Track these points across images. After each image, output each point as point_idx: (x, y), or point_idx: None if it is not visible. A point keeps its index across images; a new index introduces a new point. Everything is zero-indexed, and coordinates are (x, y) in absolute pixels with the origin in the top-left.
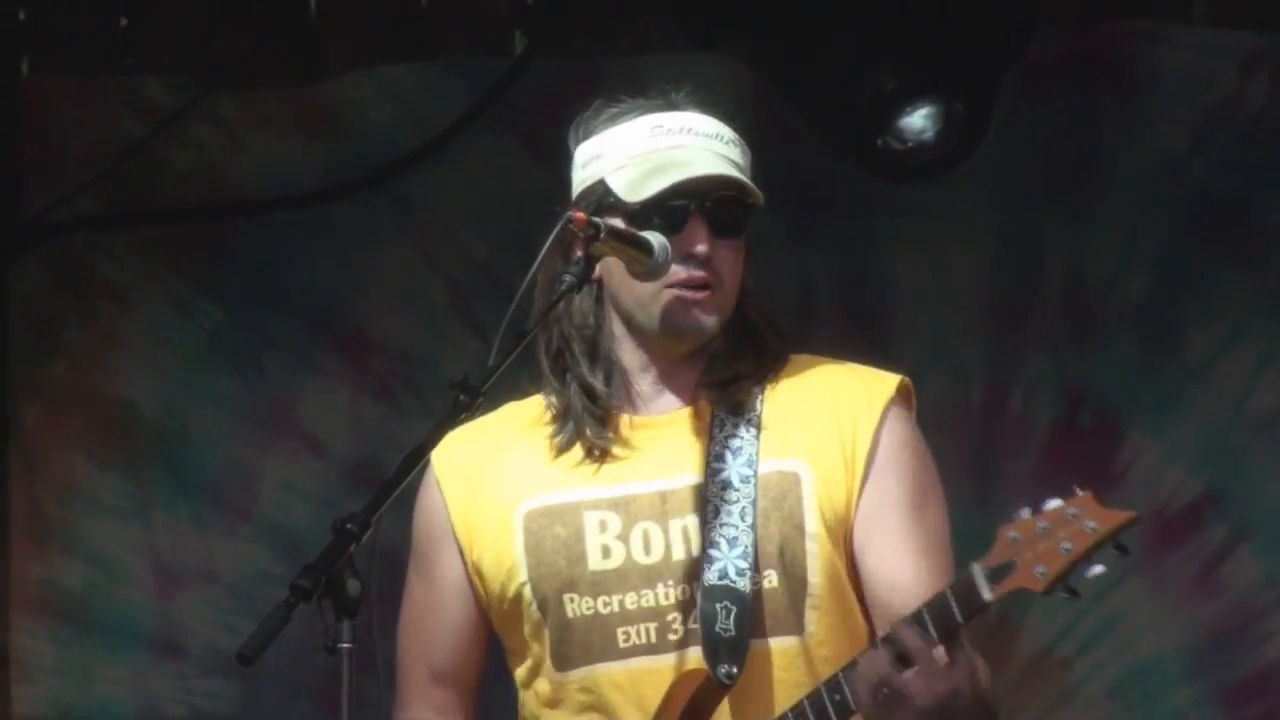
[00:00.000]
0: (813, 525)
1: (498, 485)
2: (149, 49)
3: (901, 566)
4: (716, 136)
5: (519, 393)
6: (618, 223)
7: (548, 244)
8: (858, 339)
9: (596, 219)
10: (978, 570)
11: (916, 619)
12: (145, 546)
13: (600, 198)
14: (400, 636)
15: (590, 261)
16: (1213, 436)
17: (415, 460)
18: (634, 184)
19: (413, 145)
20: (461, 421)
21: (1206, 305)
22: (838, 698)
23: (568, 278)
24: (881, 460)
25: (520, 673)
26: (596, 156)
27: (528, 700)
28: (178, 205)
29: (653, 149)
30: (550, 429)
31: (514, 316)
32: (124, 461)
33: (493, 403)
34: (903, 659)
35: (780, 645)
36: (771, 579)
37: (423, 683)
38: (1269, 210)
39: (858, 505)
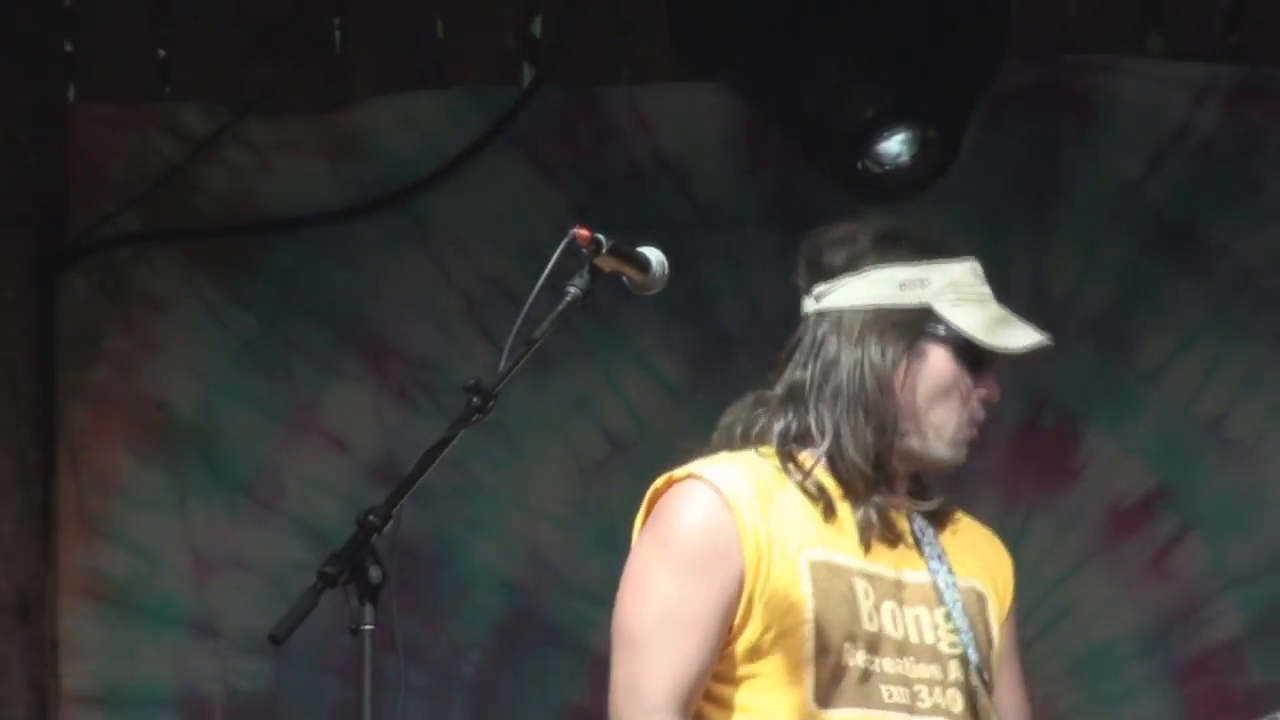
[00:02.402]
0: (996, 641)
1: (780, 526)
2: (186, 78)
3: (1017, 698)
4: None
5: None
6: (610, 241)
7: (554, 258)
8: None
9: (599, 235)
10: None
11: None
12: (183, 536)
13: (919, 323)
14: (645, 617)
15: (594, 274)
16: (1164, 436)
17: (432, 458)
18: (986, 327)
19: (429, 168)
20: (475, 423)
21: (1159, 315)
22: None
23: (572, 290)
24: (1012, 608)
25: (744, 696)
26: (919, 281)
27: (753, 713)
28: (212, 223)
29: (983, 296)
30: (803, 492)
31: (523, 325)
32: (163, 458)
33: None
34: None
35: None
36: (989, 675)
37: (669, 690)
38: (1216, 229)
39: (1001, 640)
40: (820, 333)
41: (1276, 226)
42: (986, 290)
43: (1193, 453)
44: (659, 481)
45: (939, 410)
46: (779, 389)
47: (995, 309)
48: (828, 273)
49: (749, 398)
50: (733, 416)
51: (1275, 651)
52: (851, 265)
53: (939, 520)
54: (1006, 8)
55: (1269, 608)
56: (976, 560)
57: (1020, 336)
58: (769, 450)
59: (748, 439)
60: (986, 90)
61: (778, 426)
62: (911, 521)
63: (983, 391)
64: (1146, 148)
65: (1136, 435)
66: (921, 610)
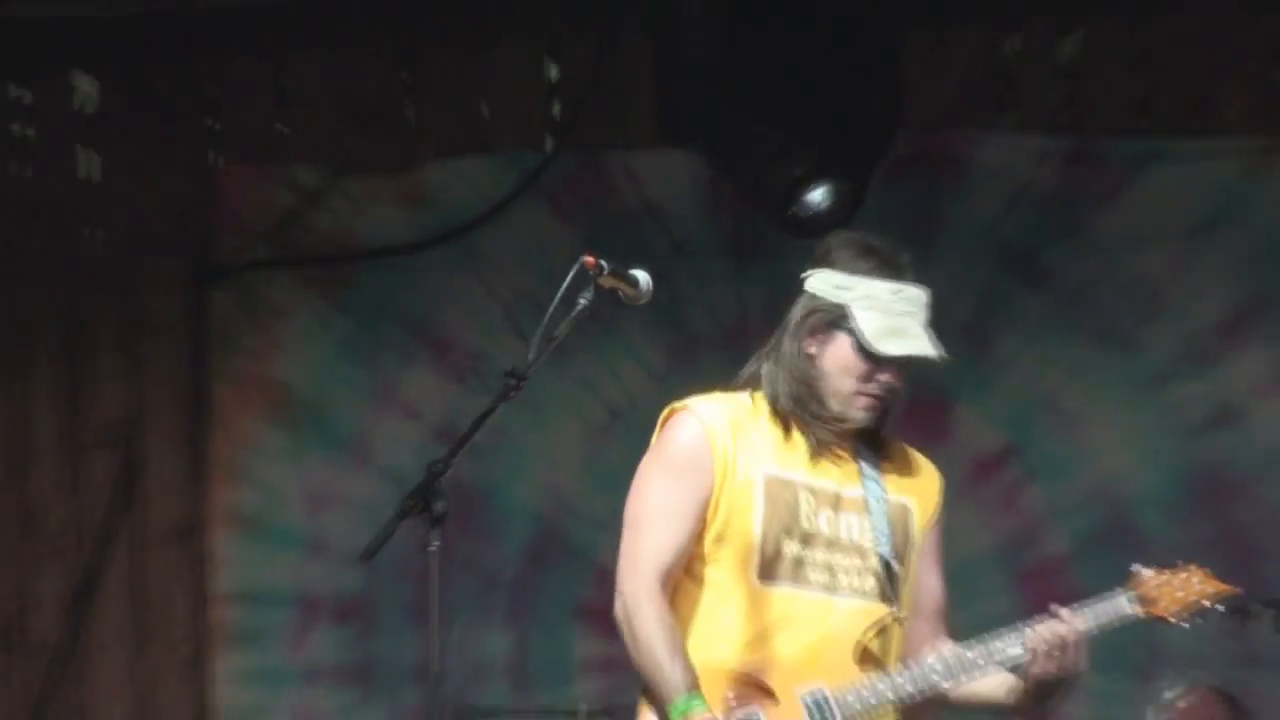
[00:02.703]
0: (917, 542)
1: (745, 448)
2: (299, 146)
3: (934, 578)
4: (926, 307)
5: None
6: (603, 264)
7: (569, 278)
8: None
9: (602, 261)
10: (1131, 595)
11: (1085, 607)
12: (299, 481)
13: (838, 317)
14: (643, 508)
15: (598, 290)
16: (1014, 407)
17: (480, 423)
18: (878, 335)
19: (477, 213)
20: (511, 398)
21: (1011, 320)
22: (1014, 650)
23: (582, 301)
24: (937, 521)
25: (711, 572)
26: (845, 288)
27: (715, 587)
28: (319, 253)
29: (893, 310)
30: (774, 423)
31: (547, 327)
32: (285, 424)
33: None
34: (1067, 635)
35: (900, 612)
36: (899, 569)
37: (658, 561)
38: (1052, 258)
39: (922, 542)
40: (794, 304)
41: (1096, 256)
42: (904, 309)
43: (1033, 420)
44: (665, 411)
45: (838, 381)
46: (769, 344)
47: (898, 322)
48: (813, 262)
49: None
50: (747, 366)
51: (1092, 562)
52: (821, 261)
53: (882, 451)
54: (901, 94)
55: (1088, 532)
56: (907, 480)
57: (902, 347)
58: (760, 392)
59: (743, 382)
60: (886, 156)
61: (748, 373)
62: (857, 450)
63: (883, 376)
64: (1003, 198)
65: (992, 407)
66: (853, 517)
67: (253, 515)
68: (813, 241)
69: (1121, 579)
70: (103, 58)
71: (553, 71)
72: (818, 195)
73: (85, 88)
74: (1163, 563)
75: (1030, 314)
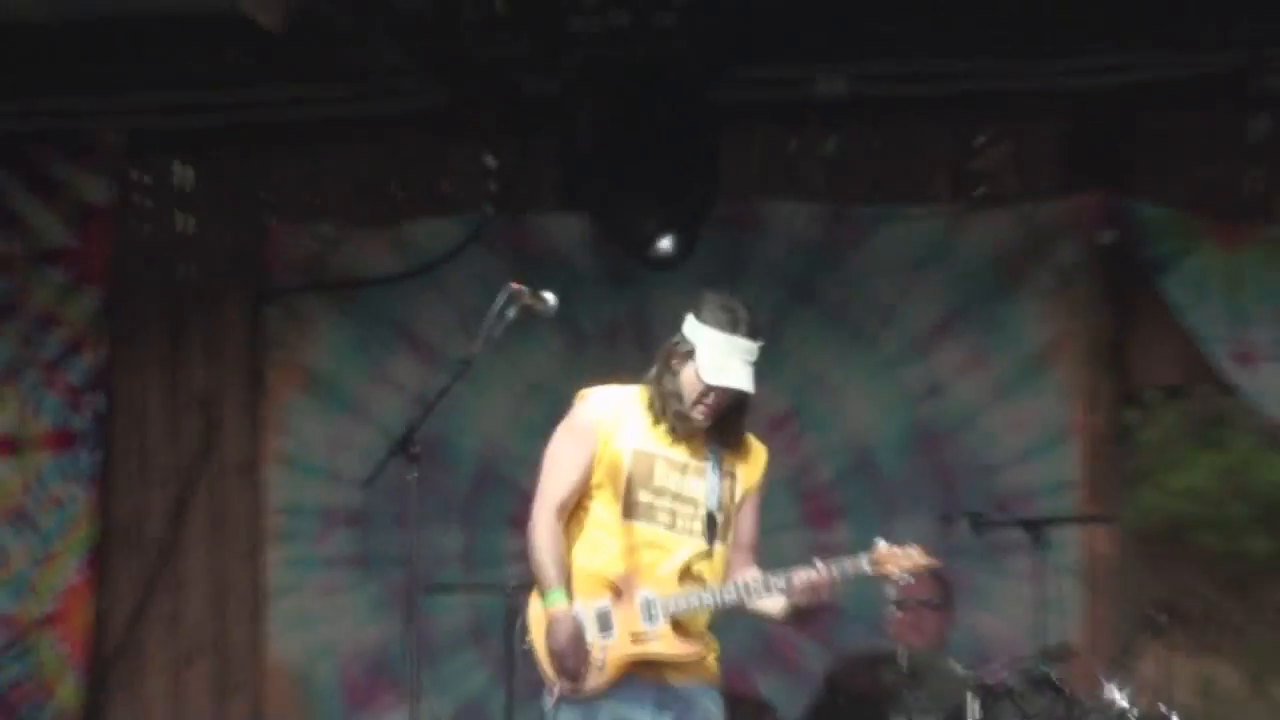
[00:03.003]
0: (738, 499)
1: (621, 427)
2: (324, 210)
3: (749, 523)
4: (752, 353)
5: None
6: (524, 289)
7: (501, 298)
8: (641, 344)
9: (524, 288)
10: (869, 558)
11: (835, 562)
12: (323, 433)
13: (690, 351)
14: (552, 459)
15: (521, 306)
16: (795, 383)
17: (441, 395)
18: (710, 369)
19: (440, 254)
20: (463, 377)
21: (793, 325)
22: (781, 584)
23: (510, 313)
24: (757, 489)
25: (594, 507)
26: (698, 333)
27: (595, 518)
28: (336, 281)
29: (727, 354)
30: (649, 412)
31: (486, 329)
32: (313, 395)
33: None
34: (820, 581)
35: (718, 547)
36: (720, 518)
37: (556, 497)
38: (822, 284)
39: (743, 502)
40: (674, 336)
41: (850, 284)
42: (734, 353)
43: (807, 392)
44: (578, 394)
45: (686, 394)
46: (658, 358)
47: (728, 362)
48: (690, 310)
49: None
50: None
51: (849, 487)
52: (693, 310)
53: (728, 439)
54: (719, 175)
55: (844, 467)
56: (739, 459)
57: (724, 380)
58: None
59: (644, 379)
60: (709, 217)
61: (648, 374)
62: (708, 437)
63: (710, 398)
64: (787, 244)
65: (781, 384)
66: (695, 480)
67: (291, 455)
68: (664, 272)
69: (865, 500)
70: (194, 151)
71: (490, 161)
72: (665, 243)
73: (181, 171)
74: (895, 496)
75: (806, 322)
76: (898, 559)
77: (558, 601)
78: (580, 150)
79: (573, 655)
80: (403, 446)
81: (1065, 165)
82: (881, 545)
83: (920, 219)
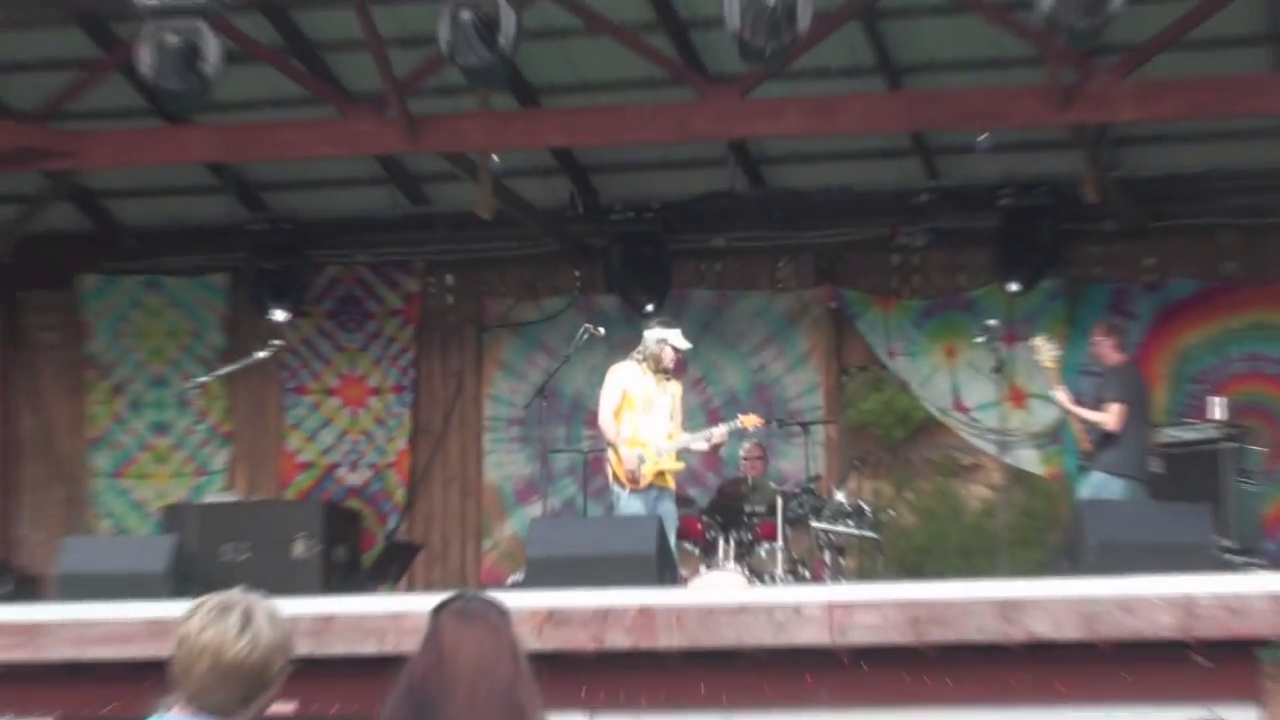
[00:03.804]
0: (677, 403)
1: (631, 379)
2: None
3: (678, 419)
4: (682, 339)
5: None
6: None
7: (579, 332)
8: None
9: (590, 325)
10: (734, 424)
11: (723, 424)
12: (508, 385)
13: (660, 339)
14: (605, 395)
15: (590, 336)
16: (704, 362)
17: (555, 372)
18: (679, 342)
19: (557, 311)
20: (564, 364)
21: (706, 347)
22: (706, 435)
23: (584, 338)
24: (681, 399)
25: (624, 413)
26: (661, 334)
27: (625, 419)
28: (518, 321)
29: (678, 337)
30: (642, 368)
31: (574, 346)
32: (505, 373)
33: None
34: (719, 437)
35: (674, 425)
36: (676, 412)
37: (610, 409)
38: (717, 328)
39: (678, 405)
40: (645, 336)
41: (725, 337)
42: (679, 337)
43: (710, 368)
44: (610, 368)
45: (664, 359)
46: (640, 346)
47: (679, 340)
48: (649, 327)
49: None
50: (634, 351)
51: (727, 410)
52: (653, 327)
53: (673, 378)
54: (671, 272)
55: (723, 399)
56: (676, 386)
57: (683, 343)
58: (641, 360)
59: (638, 355)
60: (665, 297)
61: (637, 353)
62: (668, 378)
63: (676, 355)
64: (700, 306)
65: (699, 363)
66: (663, 397)
67: (493, 396)
68: (648, 318)
69: (731, 412)
70: (450, 269)
71: (576, 272)
72: (649, 307)
73: (440, 281)
74: (745, 410)
75: (707, 339)
76: (747, 420)
77: (624, 446)
78: (612, 268)
79: (636, 470)
80: (540, 391)
81: (816, 276)
82: (742, 416)
83: (758, 297)
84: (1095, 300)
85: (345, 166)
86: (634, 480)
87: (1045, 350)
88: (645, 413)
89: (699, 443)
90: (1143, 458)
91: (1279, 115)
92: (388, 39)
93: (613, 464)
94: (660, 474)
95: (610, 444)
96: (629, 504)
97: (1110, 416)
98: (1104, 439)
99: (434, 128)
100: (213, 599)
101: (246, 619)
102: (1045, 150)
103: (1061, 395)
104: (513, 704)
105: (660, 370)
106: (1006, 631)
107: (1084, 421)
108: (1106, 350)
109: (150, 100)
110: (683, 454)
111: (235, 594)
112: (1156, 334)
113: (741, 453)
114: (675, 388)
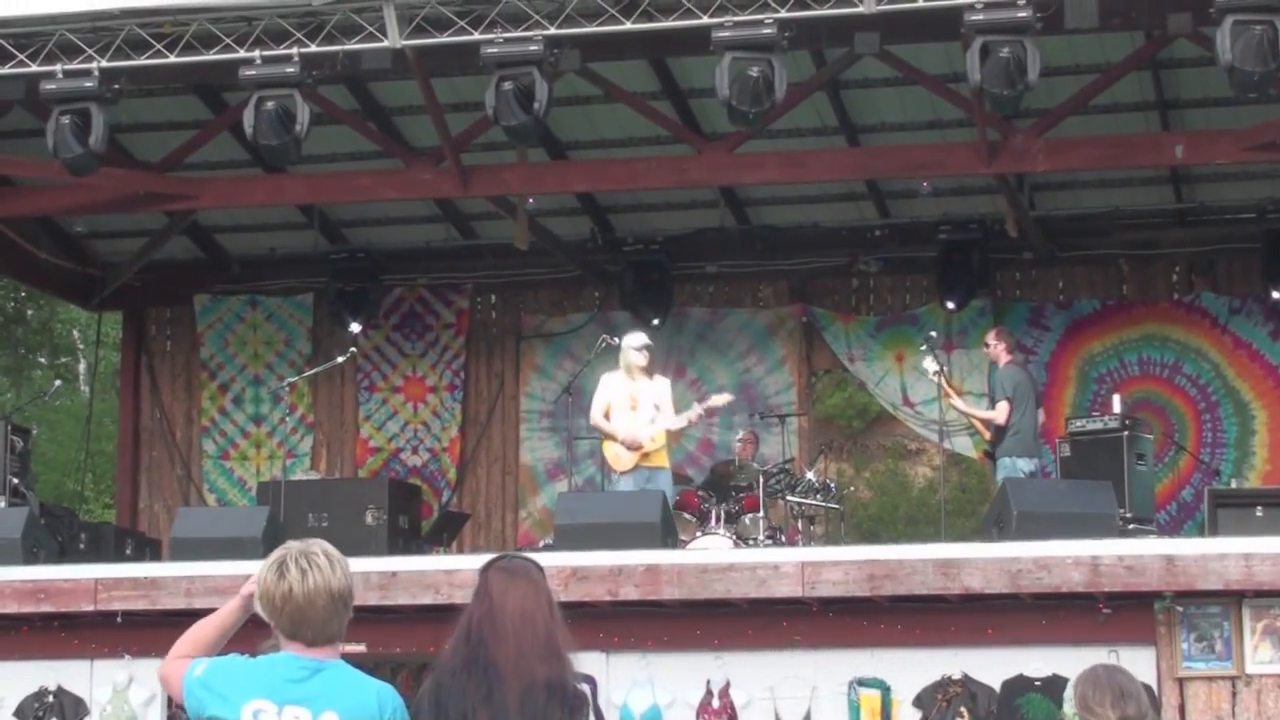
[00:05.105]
0: (661, 396)
1: (616, 384)
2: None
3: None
4: (650, 340)
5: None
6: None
7: (597, 342)
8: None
9: (607, 336)
10: (719, 399)
11: (711, 400)
12: (541, 385)
13: (625, 352)
14: (597, 396)
15: (607, 346)
16: (694, 362)
17: (579, 373)
18: (631, 343)
19: (579, 326)
20: (585, 368)
21: (686, 344)
22: (696, 409)
23: (601, 347)
24: (669, 392)
25: (613, 410)
26: (629, 346)
27: (615, 413)
28: (548, 333)
29: (643, 340)
30: (627, 376)
31: (593, 353)
32: (538, 374)
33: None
34: (717, 405)
35: (655, 414)
36: (655, 406)
37: (601, 408)
38: (711, 335)
39: (660, 392)
40: (621, 343)
41: (700, 353)
42: (646, 339)
43: (701, 366)
44: (602, 377)
45: (637, 362)
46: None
47: (646, 342)
48: (622, 338)
49: None
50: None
51: (706, 387)
52: (621, 336)
53: (650, 374)
54: (672, 294)
55: (709, 388)
56: (660, 382)
57: (639, 340)
58: (620, 369)
59: (621, 368)
60: (668, 314)
61: (623, 364)
62: (650, 378)
63: (644, 357)
64: (695, 321)
65: (691, 363)
66: (646, 395)
67: (529, 393)
68: (653, 330)
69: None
70: (494, 291)
71: (596, 293)
72: (655, 321)
73: (484, 298)
74: (732, 401)
75: (701, 348)
76: (717, 399)
77: (617, 433)
78: (625, 290)
79: (634, 448)
80: (566, 390)
81: (791, 296)
82: (713, 396)
83: (744, 313)
84: (1016, 316)
85: (409, 207)
86: (617, 467)
87: (930, 369)
88: (631, 410)
89: (680, 421)
90: (1034, 438)
91: (1164, 166)
92: (444, 104)
93: (605, 455)
94: (645, 456)
95: (604, 439)
96: (622, 485)
97: (999, 414)
98: (999, 431)
99: (481, 176)
100: (278, 555)
101: (326, 556)
102: (976, 194)
103: (958, 402)
104: (550, 645)
105: (638, 372)
106: (946, 586)
107: (980, 420)
108: (999, 352)
109: (252, 154)
110: (684, 435)
111: (293, 544)
112: (1066, 343)
113: (737, 439)
114: (661, 383)
